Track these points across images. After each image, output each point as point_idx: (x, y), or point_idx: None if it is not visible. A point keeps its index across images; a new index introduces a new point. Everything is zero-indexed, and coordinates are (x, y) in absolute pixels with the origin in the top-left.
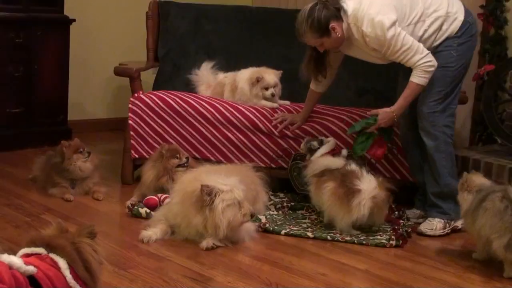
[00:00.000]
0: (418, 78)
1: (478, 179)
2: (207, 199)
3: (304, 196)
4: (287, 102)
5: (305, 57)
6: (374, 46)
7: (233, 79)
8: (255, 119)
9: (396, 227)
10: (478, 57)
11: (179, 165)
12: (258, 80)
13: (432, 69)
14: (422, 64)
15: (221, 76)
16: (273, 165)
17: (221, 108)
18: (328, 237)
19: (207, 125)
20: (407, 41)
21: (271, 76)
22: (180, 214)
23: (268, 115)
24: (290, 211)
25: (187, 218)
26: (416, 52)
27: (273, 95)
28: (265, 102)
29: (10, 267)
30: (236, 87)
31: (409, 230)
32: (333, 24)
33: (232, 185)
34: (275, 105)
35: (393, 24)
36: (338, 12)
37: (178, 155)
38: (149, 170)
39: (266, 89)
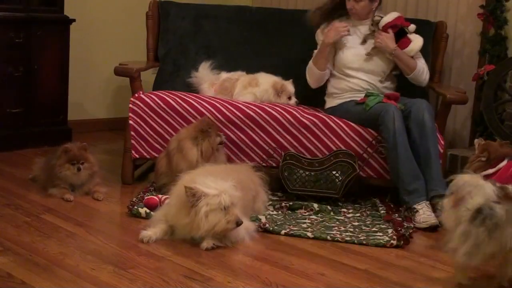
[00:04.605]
0: (422, 66)
1: None
2: (191, 201)
3: (300, 196)
4: None
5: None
6: None
7: (251, 77)
8: (256, 116)
9: (398, 228)
10: (478, 57)
11: (220, 143)
12: (282, 89)
13: (427, 78)
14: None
15: (226, 74)
16: (273, 164)
17: (221, 107)
18: (328, 237)
19: None
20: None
21: (290, 85)
22: (175, 215)
23: (270, 111)
24: (289, 211)
25: (179, 219)
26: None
27: (297, 103)
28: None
29: None
30: (256, 85)
31: (411, 231)
32: None
33: (222, 189)
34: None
35: None
36: None
37: (219, 132)
38: (192, 148)
39: (289, 98)
